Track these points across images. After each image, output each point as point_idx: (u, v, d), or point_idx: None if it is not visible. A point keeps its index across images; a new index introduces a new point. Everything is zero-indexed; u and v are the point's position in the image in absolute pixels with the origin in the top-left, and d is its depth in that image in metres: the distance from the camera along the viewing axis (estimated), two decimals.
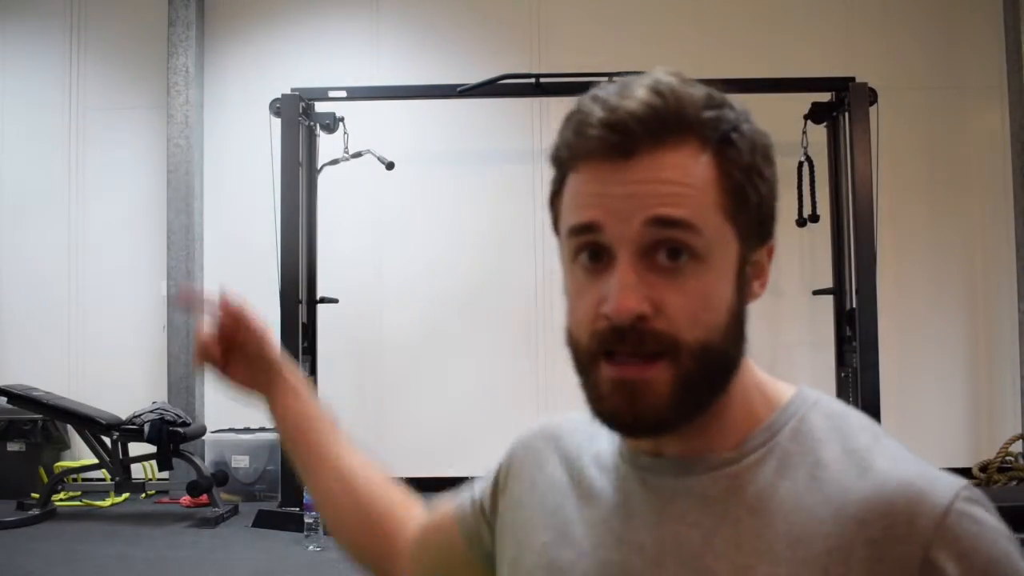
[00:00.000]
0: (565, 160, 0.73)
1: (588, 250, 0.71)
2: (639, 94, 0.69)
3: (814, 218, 5.62)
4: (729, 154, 0.70)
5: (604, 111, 0.69)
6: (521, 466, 0.89)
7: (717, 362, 0.70)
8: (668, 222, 0.68)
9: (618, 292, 0.68)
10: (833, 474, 0.69)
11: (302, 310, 5.51)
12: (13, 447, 6.09)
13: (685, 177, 0.69)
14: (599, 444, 0.83)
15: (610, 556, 0.75)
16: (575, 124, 0.71)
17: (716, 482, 0.72)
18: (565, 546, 0.79)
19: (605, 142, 0.69)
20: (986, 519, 0.68)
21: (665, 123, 0.69)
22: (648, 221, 0.68)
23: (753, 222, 0.72)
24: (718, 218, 0.70)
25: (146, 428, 5.41)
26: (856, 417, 0.74)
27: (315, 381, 5.78)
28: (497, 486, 0.91)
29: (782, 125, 5.86)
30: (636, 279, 0.68)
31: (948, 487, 0.67)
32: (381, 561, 0.99)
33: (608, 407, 0.71)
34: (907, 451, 0.71)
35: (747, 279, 0.73)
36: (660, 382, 0.69)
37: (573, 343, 0.73)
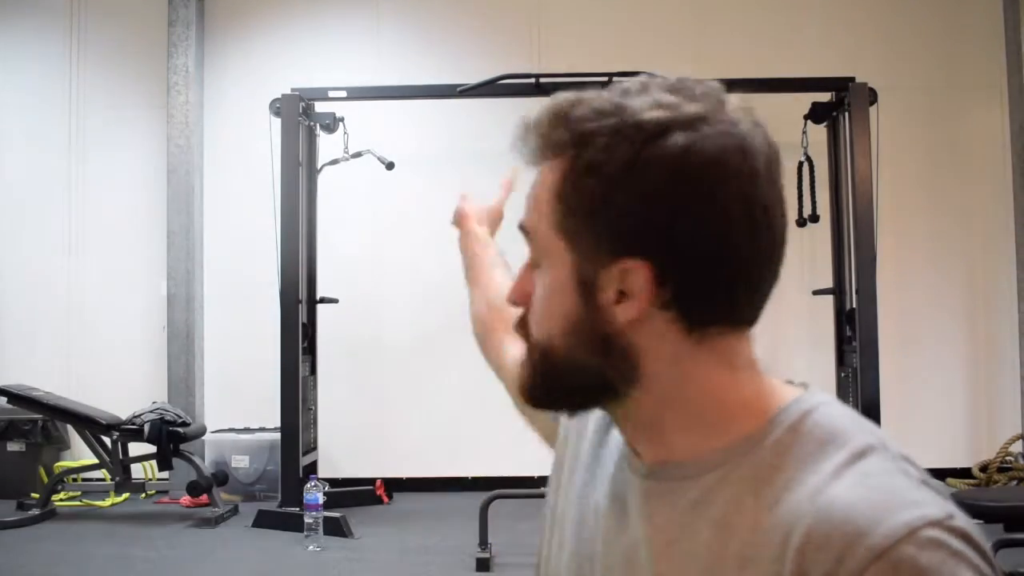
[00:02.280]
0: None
1: None
2: (538, 111, 0.74)
3: (814, 218, 5.63)
4: (575, 163, 0.69)
5: (521, 126, 0.75)
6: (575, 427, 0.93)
7: (560, 363, 0.73)
8: (521, 229, 0.76)
9: (511, 284, 0.79)
10: (795, 495, 0.65)
11: (302, 310, 5.51)
12: (13, 447, 6.09)
13: (542, 186, 0.73)
14: (613, 447, 0.84)
15: (591, 539, 0.80)
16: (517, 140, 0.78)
17: (688, 491, 0.71)
18: (567, 522, 0.84)
19: (523, 155, 0.75)
20: (943, 569, 0.59)
21: (548, 140, 0.72)
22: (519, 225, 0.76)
23: (589, 234, 0.69)
24: (546, 226, 0.72)
25: (146, 428, 5.41)
26: (850, 431, 0.68)
27: (315, 381, 5.79)
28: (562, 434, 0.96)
29: (782, 125, 5.84)
30: (523, 273, 0.77)
31: (899, 525, 0.60)
32: (493, 362, 1.16)
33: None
34: (891, 473, 0.65)
35: (596, 298, 0.70)
36: (527, 364, 0.76)
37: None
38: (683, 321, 0.69)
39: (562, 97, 0.72)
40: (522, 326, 0.77)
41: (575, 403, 0.77)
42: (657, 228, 0.67)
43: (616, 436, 0.81)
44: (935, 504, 0.62)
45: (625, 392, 0.72)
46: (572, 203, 0.70)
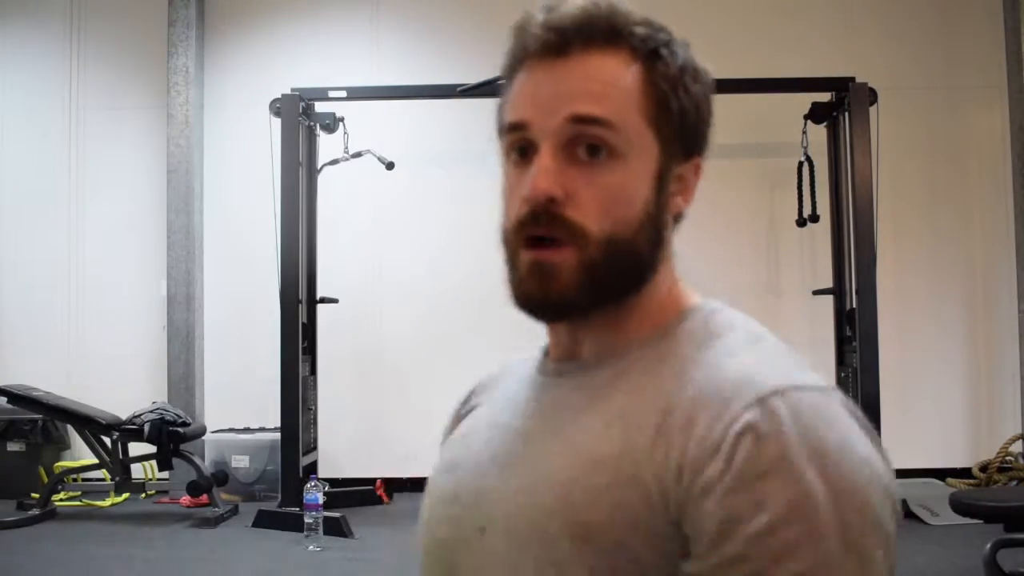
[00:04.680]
0: (508, 69, 0.79)
1: (518, 148, 0.76)
2: (578, 2, 0.75)
3: (814, 218, 5.63)
4: (657, 66, 0.75)
5: (544, 14, 0.75)
6: (465, 410, 0.95)
7: (624, 256, 0.74)
8: (588, 119, 0.73)
9: (535, 175, 0.73)
10: (698, 365, 0.71)
11: (302, 310, 5.51)
12: (13, 447, 6.09)
13: (610, 79, 0.74)
14: (528, 368, 0.87)
15: (494, 439, 0.80)
16: (518, 29, 0.77)
17: (605, 373, 0.76)
18: (465, 447, 0.85)
19: (541, 40, 0.74)
20: (826, 411, 0.66)
21: (598, 28, 0.74)
22: (570, 117, 0.73)
23: (675, 132, 0.76)
24: (638, 121, 0.74)
25: (146, 428, 5.41)
26: (751, 326, 0.77)
27: (315, 381, 5.78)
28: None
29: (782, 125, 5.88)
30: (553, 165, 0.73)
31: (786, 379, 0.67)
32: None
33: (524, 288, 0.76)
34: (784, 354, 0.72)
35: (668, 188, 0.77)
36: (567, 266, 0.73)
37: (503, 237, 0.78)
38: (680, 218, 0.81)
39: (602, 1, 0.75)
40: (558, 223, 0.73)
41: (617, 298, 0.77)
42: (709, 129, 0.79)
43: (522, 373, 0.85)
44: (819, 377, 0.70)
45: (639, 290, 0.77)
46: (665, 99, 0.75)
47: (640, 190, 0.75)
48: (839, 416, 0.67)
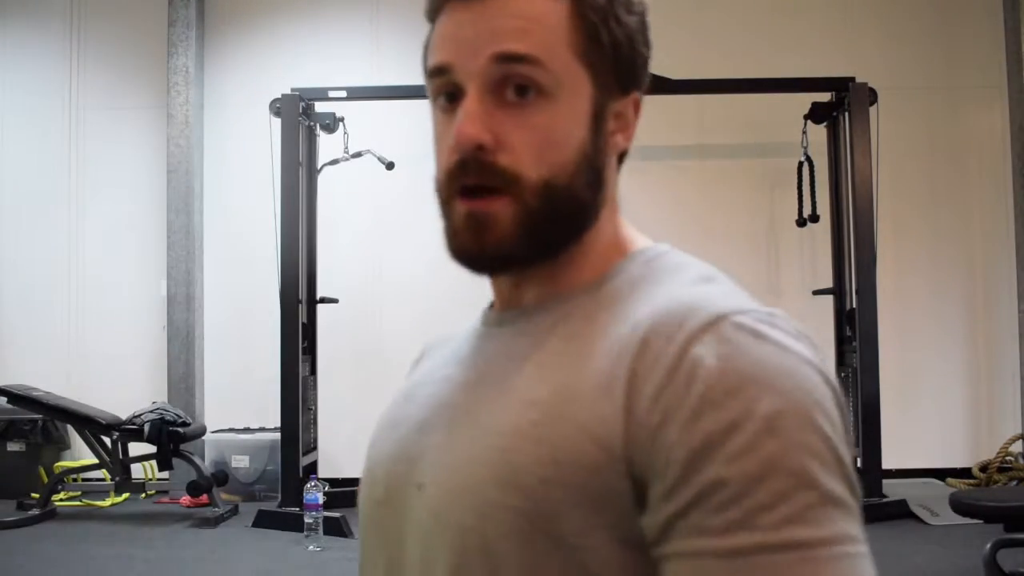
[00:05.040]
0: (430, 11, 0.74)
1: (445, 93, 0.72)
2: None
3: (814, 218, 5.63)
4: None
5: None
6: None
7: (563, 201, 0.70)
8: (513, 57, 0.68)
9: (461, 121, 0.68)
10: (645, 306, 0.67)
11: (302, 310, 5.51)
12: (13, 447, 6.09)
13: (535, 14, 0.69)
14: (471, 325, 0.84)
15: (436, 393, 0.76)
16: None
17: (546, 319, 0.72)
18: (407, 403, 0.80)
19: None
20: (773, 336, 0.62)
21: None
22: (494, 57, 0.69)
23: (609, 66, 0.72)
24: (568, 56, 0.70)
25: (146, 428, 5.41)
26: (702, 267, 0.72)
27: (315, 381, 5.79)
28: None
29: (782, 125, 5.88)
30: (480, 109, 0.68)
31: (735, 304, 0.64)
32: None
33: (459, 242, 0.72)
34: (735, 291, 0.69)
35: (606, 127, 0.73)
36: (502, 216, 0.69)
37: (435, 188, 0.74)
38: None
39: None
40: (489, 170, 0.69)
41: (559, 245, 0.72)
42: (646, 61, 0.75)
43: (466, 330, 0.82)
44: (771, 308, 0.65)
45: (580, 236, 0.73)
46: (595, 32, 0.71)
47: (575, 130, 0.70)
48: (793, 335, 0.63)
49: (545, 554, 0.62)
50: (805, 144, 5.61)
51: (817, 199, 5.61)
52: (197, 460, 5.55)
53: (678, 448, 0.58)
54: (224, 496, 5.66)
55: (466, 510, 0.65)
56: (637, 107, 0.75)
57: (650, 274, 0.72)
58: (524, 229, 0.69)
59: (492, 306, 0.81)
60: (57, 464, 6.13)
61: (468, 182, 0.70)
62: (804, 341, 0.64)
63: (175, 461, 5.50)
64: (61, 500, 5.76)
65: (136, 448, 5.58)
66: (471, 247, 0.71)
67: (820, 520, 0.56)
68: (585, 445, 0.61)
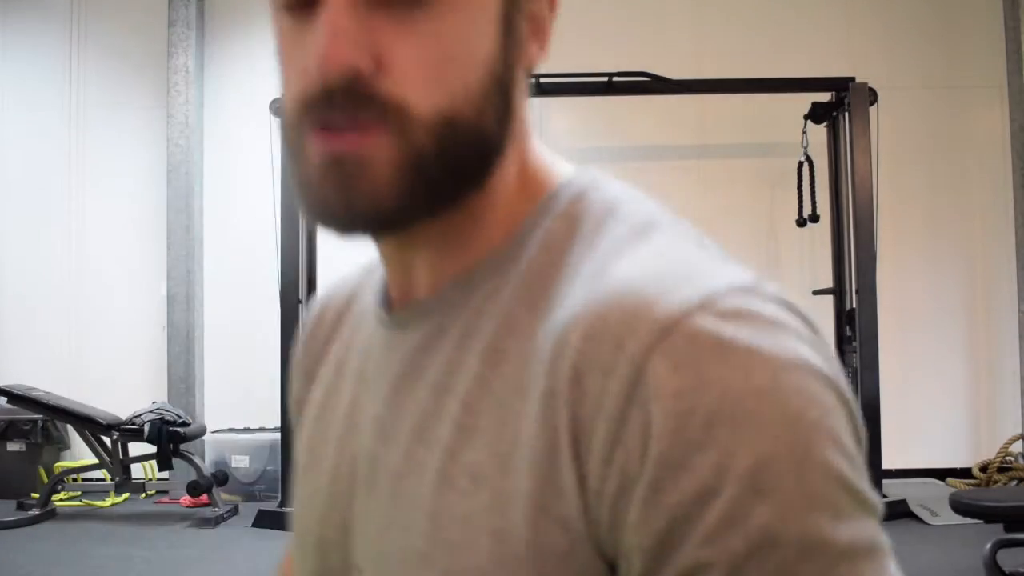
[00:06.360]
0: None
1: None
2: None
3: (814, 218, 5.63)
4: None
5: None
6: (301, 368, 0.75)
7: (465, 140, 0.52)
8: None
9: (325, 40, 0.49)
10: (574, 289, 0.51)
11: (302, 310, 5.51)
12: (13, 447, 6.09)
13: None
14: (370, 302, 0.66)
15: (349, 429, 0.62)
16: None
17: (454, 324, 0.56)
18: (322, 437, 0.66)
19: None
20: (752, 341, 0.45)
21: None
22: None
23: None
24: None
25: (146, 428, 5.41)
26: (636, 208, 0.56)
27: None
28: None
29: (782, 125, 5.88)
30: (352, 23, 0.49)
31: (693, 293, 0.46)
32: None
33: (318, 195, 0.53)
34: (683, 245, 0.53)
35: (517, 33, 0.55)
36: (380, 159, 0.51)
37: (282, 123, 0.57)
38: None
39: None
40: (364, 102, 0.50)
41: (454, 199, 0.54)
42: None
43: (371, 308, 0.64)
44: (738, 272, 0.50)
45: (484, 182, 0.55)
46: None
47: (479, 43, 0.52)
48: (776, 325, 0.47)
49: None
50: (805, 144, 5.61)
51: (817, 199, 5.62)
52: (197, 460, 5.55)
53: (643, 533, 0.45)
54: (224, 496, 5.66)
55: None
56: (553, 4, 0.57)
57: (570, 233, 0.55)
58: (409, 177, 0.51)
59: (386, 286, 0.62)
60: (57, 464, 6.14)
61: (335, 119, 0.51)
62: (801, 334, 0.48)
63: (175, 461, 5.50)
64: (61, 500, 5.76)
65: (136, 448, 5.58)
66: (334, 203, 0.52)
67: None
68: (552, 535, 0.48)
